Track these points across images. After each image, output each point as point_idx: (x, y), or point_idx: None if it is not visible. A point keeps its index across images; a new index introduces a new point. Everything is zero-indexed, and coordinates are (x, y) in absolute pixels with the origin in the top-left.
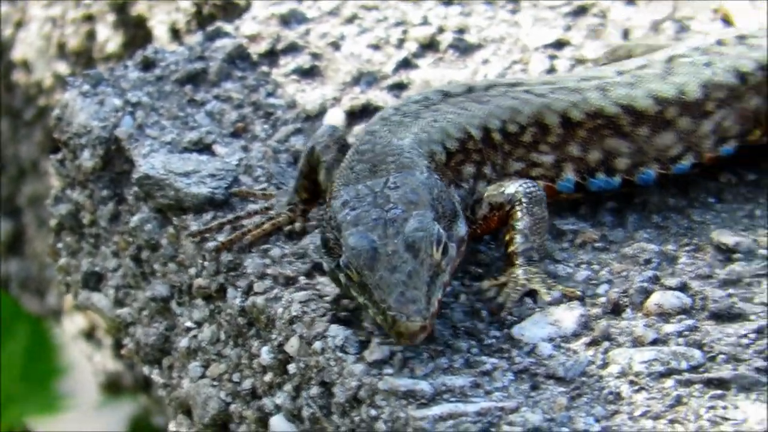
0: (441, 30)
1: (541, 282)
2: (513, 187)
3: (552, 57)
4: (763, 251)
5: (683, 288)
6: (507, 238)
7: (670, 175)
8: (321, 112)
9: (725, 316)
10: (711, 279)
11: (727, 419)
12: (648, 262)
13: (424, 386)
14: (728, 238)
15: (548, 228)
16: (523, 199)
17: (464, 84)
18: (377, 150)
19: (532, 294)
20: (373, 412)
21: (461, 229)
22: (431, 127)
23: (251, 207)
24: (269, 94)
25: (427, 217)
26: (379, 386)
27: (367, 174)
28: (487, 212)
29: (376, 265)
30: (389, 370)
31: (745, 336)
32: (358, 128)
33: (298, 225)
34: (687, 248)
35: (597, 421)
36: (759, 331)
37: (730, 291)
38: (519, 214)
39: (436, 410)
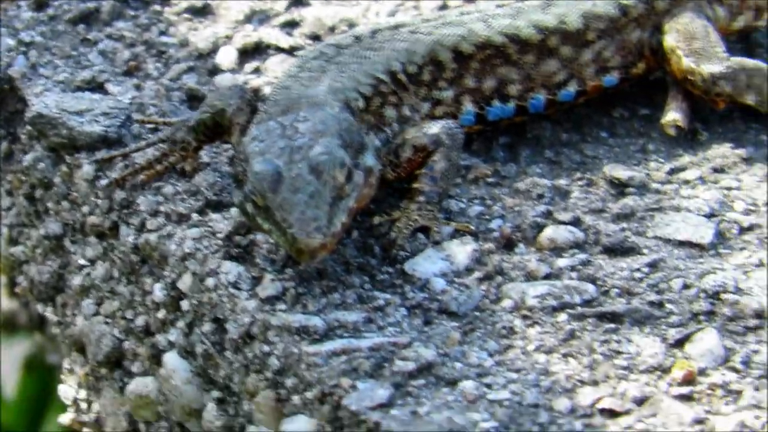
0: None
1: (432, 219)
2: (436, 128)
3: None
4: (655, 185)
5: (576, 222)
6: (417, 173)
7: (558, 102)
8: (213, 51)
9: (618, 250)
10: (604, 213)
11: (620, 353)
12: (540, 196)
13: (316, 322)
14: (621, 173)
15: (457, 174)
16: (446, 141)
17: (349, 35)
18: (292, 97)
19: (424, 230)
20: (266, 348)
21: (369, 159)
22: (341, 77)
23: (145, 143)
24: (162, 33)
25: (332, 143)
26: (271, 322)
27: (280, 114)
28: (411, 154)
29: (280, 188)
30: (282, 306)
31: (638, 270)
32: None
33: (188, 164)
34: (580, 183)
35: (490, 355)
36: (652, 265)
37: (623, 225)
38: (438, 156)
39: (329, 346)
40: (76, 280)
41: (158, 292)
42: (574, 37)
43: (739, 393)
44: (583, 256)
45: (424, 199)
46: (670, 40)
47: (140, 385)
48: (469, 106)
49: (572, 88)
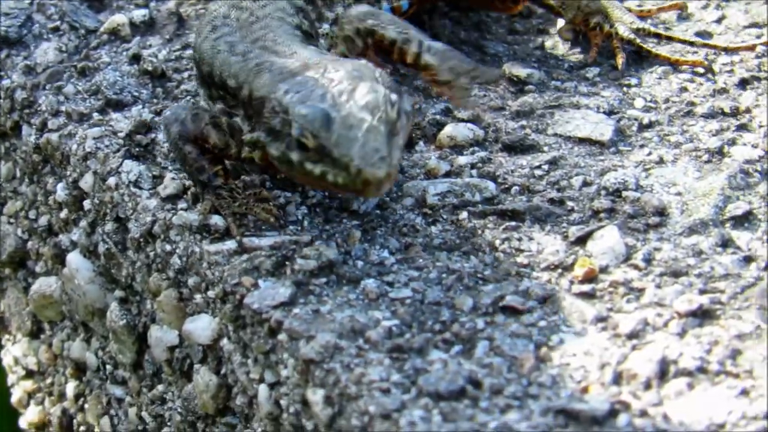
0: None
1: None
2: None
3: None
4: (555, 83)
5: (476, 120)
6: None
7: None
8: None
9: (518, 147)
10: (503, 111)
11: (521, 251)
12: (440, 94)
13: (217, 220)
14: (520, 70)
15: None
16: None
17: None
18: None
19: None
20: (168, 247)
21: (406, 104)
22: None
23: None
24: None
25: (376, 83)
26: (173, 221)
27: (302, 70)
28: None
29: (332, 127)
30: (183, 205)
31: (538, 167)
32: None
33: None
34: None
35: (392, 253)
36: (552, 163)
37: (523, 123)
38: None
39: (229, 244)
40: None
41: (60, 191)
42: None
43: (641, 290)
44: (483, 154)
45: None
46: None
47: (44, 285)
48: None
49: None
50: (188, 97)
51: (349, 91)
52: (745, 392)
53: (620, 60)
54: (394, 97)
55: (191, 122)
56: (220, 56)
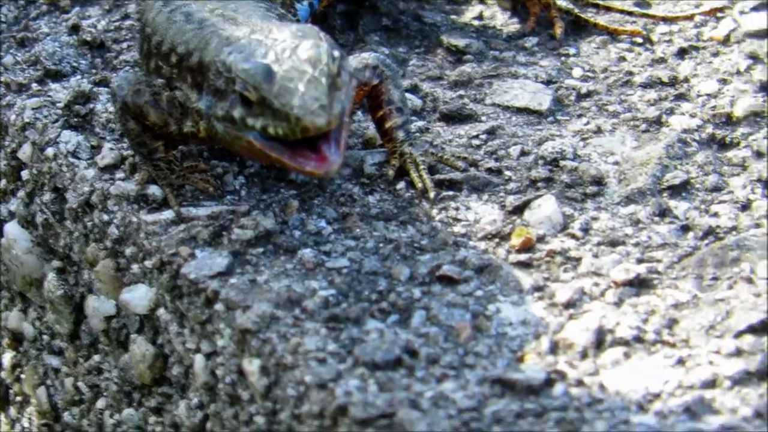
0: None
1: (424, 148)
2: (371, 61)
3: None
4: (493, 52)
5: (414, 89)
6: (378, 114)
7: None
8: None
9: (456, 117)
10: (441, 80)
11: (459, 220)
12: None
13: (154, 190)
14: (458, 40)
15: None
16: (386, 71)
17: None
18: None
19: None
20: (105, 217)
21: (348, 65)
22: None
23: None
24: None
25: (320, 40)
26: (110, 191)
27: (248, 34)
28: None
29: (274, 79)
30: (120, 175)
31: (476, 137)
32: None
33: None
34: (417, 50)
35: (329, 223)
36: (490, 132)
37: (461, 92)
38: (387, 87)
39: (167, 214)
40: None
41: None
42: None
43: (578, 260)
44: (420, 123)
45: (404, 134)
46: None
47: None
48: None
49: None
50: (127, 68)
51: (292, 48)
52: (681, 361)
53: (558, 30)
54: (336, 53)
55: (131, 98)
56: (175, 26)
